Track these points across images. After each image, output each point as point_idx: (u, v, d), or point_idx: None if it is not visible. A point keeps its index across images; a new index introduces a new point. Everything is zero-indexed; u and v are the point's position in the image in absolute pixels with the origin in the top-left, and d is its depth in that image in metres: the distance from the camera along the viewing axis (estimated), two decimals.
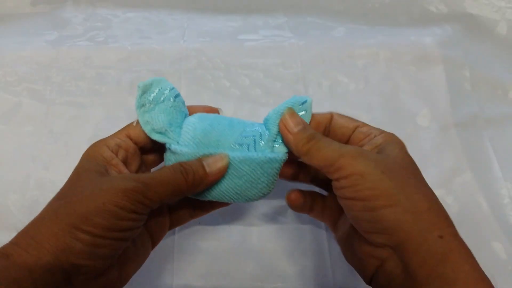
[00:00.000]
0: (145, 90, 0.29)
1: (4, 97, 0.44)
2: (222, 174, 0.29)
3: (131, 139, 0.30)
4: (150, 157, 0.33)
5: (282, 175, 0.32)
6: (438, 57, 0.48)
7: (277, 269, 0.36)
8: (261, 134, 0.31)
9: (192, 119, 0.31)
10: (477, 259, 0.37)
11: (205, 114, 0.32)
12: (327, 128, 0.31)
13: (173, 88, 0.31)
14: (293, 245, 0.37)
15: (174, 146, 0.29)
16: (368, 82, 0.47)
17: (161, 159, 0.32)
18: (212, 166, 0.29)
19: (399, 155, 0.27)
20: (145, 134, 0.29)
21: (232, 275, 0.36)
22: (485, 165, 0.43)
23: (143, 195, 0.25)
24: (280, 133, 0.30)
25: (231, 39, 0.49)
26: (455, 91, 0.46)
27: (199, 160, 0.29)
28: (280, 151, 0.31)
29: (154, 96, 0.29)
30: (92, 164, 0.27)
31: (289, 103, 0.31)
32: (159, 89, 0.30)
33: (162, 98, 0.30)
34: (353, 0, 0.52)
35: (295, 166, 0.33)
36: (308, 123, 0.31)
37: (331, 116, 0.31)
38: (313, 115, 0.31)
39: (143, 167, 0.32)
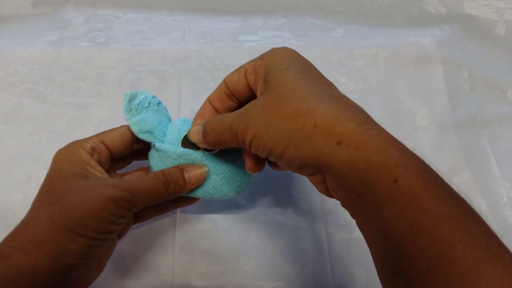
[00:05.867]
0: (132, 97, 0.32)
1: (5, 97, 0.44)
2: (199, 183, 0.32)
3: (104, 145, 0.32)
4: (116, 164, 0.35)
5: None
6: (437, 57, 0.48)
7: (277, 268, 0.37)
8: None
9: (177, 122, 0.34)
10: None
11: (188, 119, 0.34)
12: (230, 94, 0.31)
13: (155, 97, 0.34)
14: (292, 245, 0.38)
15: (158, 144, 0.32)
16: (367, 83, 0.47)
17: (125, 165, 0.36)
18: (192, 176, 0.31)
19: (279, 79, 0.26)
20: (117, 142, 0.32)
21: (232, 275, 0.36)
22: (484, 165, 0.43)
23: (130, 203, 0.28)
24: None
25: (231, 40, 0.50)
26: (454, 92, 0.47)
27: (181, 170, 0.31)
28: None
29: (139, 102, 0.32)
30: (74, 168, 0.29)
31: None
32: (144, 97, 0.33)
33: (146, 104, 0.33)
34: (352, 1, 0.52)
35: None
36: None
37: (224, 82, 0.31)
38: (211, 94, 0.32)
39: (110, 169, 0.34)
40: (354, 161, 0.22)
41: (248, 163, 0.30)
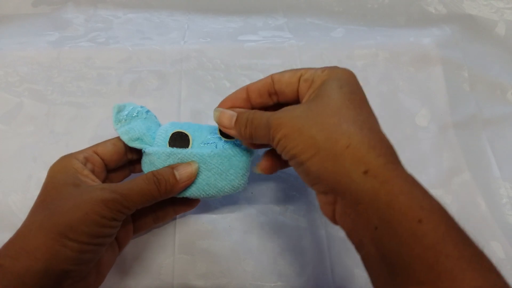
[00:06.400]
0: (120, 109, 0.33)
1: (5, 97, 0.44)
2: (191, 180, 0.32)
3: (97, 155, 0.32)
4: (114, 175, 0.35)
5: (265, 170, 0.32)
6: (437, 57, 0.48)
7: (277, 268, 0.37)
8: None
9: (165, 125, 0.34)
10: None
11: (176, 122, 0.35)
12: (273, 92, 0.31)
13: (143, 107, 0.34)
14: (292, 244, 0.38)
15: (147, 148, 0.32)
16: (367, 83, 0.47)
17: (123, 177, 0.36)
18: (183, 173, 0.31)
19: (330, 93, 0.26)
20: (110, 151, 0.32)
21: (232, 274, 0.36)
22: (484, 165, 0.43)
23: (121, 205, 0.28)
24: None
25: (231, 40, 0.50)
26: (454, 92, 0.47)
27: (171, 169, 0.31)
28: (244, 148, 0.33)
29: (127, 113, 0.33)
30: (66, 177, 0.29)
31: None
32: (132, 108, 0.34)
33: (135, 114, 0.33)
34: (352, 1, 0.52)
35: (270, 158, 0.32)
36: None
37: (270, 79, 0.31)
38: (252, 85, 0.31)
39: (107, 181, 0.34)
40: (377, 194, 0.22)
41: (264, 165, 0.31)
